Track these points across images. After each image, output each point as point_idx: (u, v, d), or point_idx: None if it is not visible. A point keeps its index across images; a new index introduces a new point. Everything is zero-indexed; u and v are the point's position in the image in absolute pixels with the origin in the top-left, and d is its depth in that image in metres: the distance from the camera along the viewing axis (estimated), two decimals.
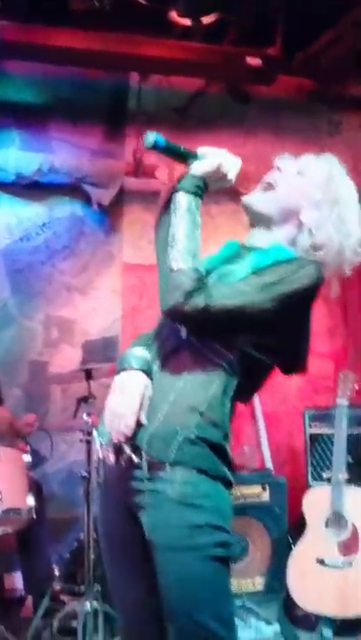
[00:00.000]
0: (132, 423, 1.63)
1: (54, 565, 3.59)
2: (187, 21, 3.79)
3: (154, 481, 1.62)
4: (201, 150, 1.75)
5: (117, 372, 1.71)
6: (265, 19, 3.92)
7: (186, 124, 4.44)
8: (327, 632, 3.17)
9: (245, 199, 1.83)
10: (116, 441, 1.65)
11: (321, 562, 3.32)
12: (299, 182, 1.80)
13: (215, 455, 1.65)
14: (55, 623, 3.20)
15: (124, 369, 1.70)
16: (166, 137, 1.72)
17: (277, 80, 4.43)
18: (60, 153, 4.29)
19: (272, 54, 4.17)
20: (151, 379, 1.69)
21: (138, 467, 1.64)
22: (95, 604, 3.01)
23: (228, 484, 1.67)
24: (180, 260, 1.63)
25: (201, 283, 1.61)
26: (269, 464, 4.15)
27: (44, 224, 4.42)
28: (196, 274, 1.62)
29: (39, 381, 4.29)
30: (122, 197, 4.45)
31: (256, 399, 4.25)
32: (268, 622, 3.44)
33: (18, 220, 4.39)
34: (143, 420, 1.65)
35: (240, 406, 1.82)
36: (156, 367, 1.72)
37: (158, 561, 1.63)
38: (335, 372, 4.20)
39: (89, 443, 3.08)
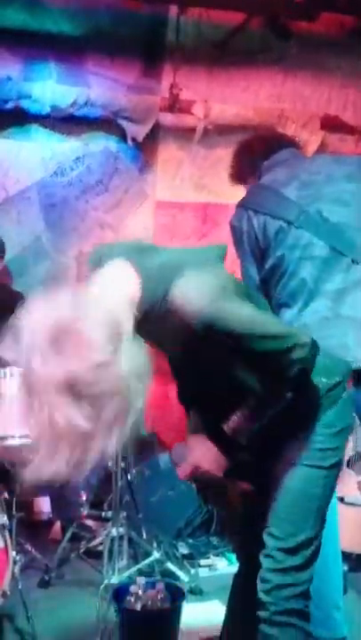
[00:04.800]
0: None
1: (82, 492, 3.72)
2: None
3: None
4: None
5: None
6: None
7: (224, 60, 4.36)
8: (343, 566, 3.27)
9: None
10: None
11: (341, 499, 3.40)
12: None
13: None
14: (82, 546, 3.35)
15: None
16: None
17: (320, 17, 4.32)
18: (97, 86, 4.24)
19: None
20: None
21: None
22: (121, 529, 3.13)
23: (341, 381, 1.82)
24: None
25: None
26: None
27: (77, 158, 4.41)
28: None
29: None
30: (157, 133, 4.41)
31: None
32: None
33: (52, 153, 4.39)
34: None
35: None
36: None
37: (279, 473, 1.80)
38: None
39: None
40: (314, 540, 1.80)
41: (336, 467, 1.82)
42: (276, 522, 1.79)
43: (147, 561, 3.18)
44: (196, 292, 1.56)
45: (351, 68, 4.67)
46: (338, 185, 2.42)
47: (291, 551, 1.77)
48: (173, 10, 4.32)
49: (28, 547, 3.26)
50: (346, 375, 1.84)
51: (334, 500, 2.86)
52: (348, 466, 3.45)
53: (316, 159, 2.80)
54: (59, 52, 4.23)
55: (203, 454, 1.78)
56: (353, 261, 2.35)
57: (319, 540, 1.82)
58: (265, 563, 1.80)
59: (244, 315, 1.61)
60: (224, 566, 3.30)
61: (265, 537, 1.80)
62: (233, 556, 3.28)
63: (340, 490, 3.43)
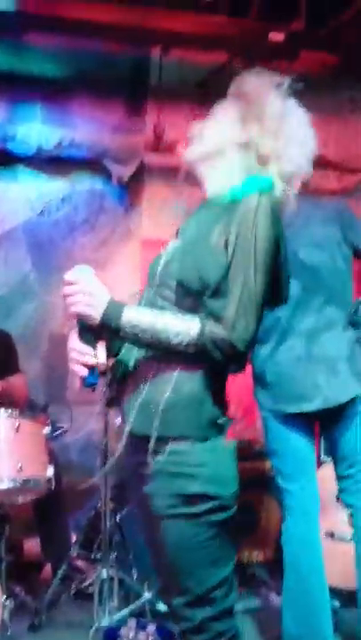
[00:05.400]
0: None
1: (72, 532, 3.70)
2: None
3: (150, 454, 1.62)
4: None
5: None
6: None
7: (207, 99, 4.42)
8: (334, 603, 3.25)
9: None
10: None
11: (331, 535, 3.40)
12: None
13: (199, 411, 1.63)
14: (72, 588, 3.32)
15: None
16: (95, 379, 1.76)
17: (300, 55, 4.40)
18: (81, 128, 4.32)
19: (295, 29, 4.15)
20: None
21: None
22: (111, 570, 3.11)
23: (221, 431, 1.66)
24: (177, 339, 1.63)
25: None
26: None
27: (64, 199, 4.47)
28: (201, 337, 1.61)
29: (59, 354, 4.36)
30: (142, 173, 4.47)
31: None
32: (279, 593, 3.53)
33: (38, 194, 4.44)
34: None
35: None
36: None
37: (158, 525, 1.64)
38: None
39: (107, 414, 3.16)
40: (218, 587, 1.63)
41: (215, 512, 1.61)
42: (171, 576, 1.65)
43: (138, 602, 3.15)
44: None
45: (333, 105, 4.76)
46: (315, 228, 2.48)
47: (196, 603, 1.63)
48: (156, 51, 4.41)
49: (18, 590, 3.23)
50: (226, 428, 1.68)
51: (317, 535, 2.87)
52: (337, 500, 3.45)
53: (297, 202, 2.87)
54: (44, 93, 4.31)
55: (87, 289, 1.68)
56: (325, 302, 2.41)
57: (227, 584, 1.66)
58: (180, 625, 1.67)
59: (252, 282, 1.68)
60: None
61: (171, 595, 1.67)
62: None
63: (331, 525, 3.43)
